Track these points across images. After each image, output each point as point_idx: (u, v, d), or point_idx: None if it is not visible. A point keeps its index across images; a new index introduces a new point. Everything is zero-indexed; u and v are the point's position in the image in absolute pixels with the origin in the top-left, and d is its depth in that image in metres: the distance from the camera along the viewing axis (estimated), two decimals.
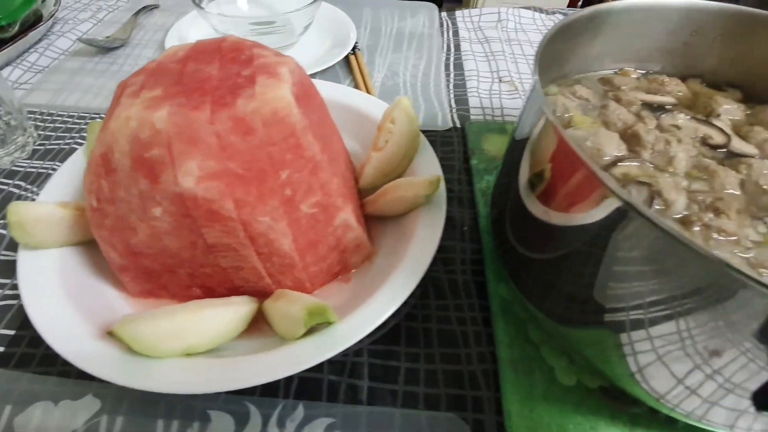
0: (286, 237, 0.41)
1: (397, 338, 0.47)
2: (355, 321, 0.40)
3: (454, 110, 0.79)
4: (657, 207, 0.39)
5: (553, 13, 1.07)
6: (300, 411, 0.42)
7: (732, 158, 0.45)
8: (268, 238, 0.40)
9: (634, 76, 0.56)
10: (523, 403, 0.42)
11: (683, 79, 0.56)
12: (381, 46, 0.93)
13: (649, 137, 0.45)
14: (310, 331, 0.40)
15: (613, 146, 0.44)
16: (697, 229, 0.37)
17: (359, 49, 0.90)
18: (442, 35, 0.98)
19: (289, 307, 0.39)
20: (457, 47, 0.94)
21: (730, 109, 0.50)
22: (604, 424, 0.41)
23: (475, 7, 1.09)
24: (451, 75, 0.87)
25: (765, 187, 0.42)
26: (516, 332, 0.47)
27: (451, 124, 0.76)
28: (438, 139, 0.72)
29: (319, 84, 0.64)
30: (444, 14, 1.05)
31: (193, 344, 0.39)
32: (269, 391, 0.43)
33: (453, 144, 0.71)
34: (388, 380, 0.44)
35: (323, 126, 0.46)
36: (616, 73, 0.56)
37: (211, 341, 0.40)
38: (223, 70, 0.40)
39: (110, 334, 0.38)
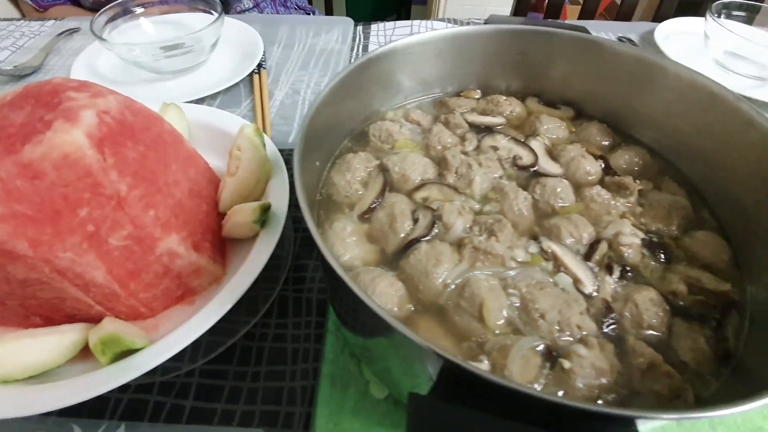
0: (98, 269, 0.44)
1: (230, 358, 0.50)
2: (159, 346, 0.42)
3: None
4: (435, 231, 0.42)
5: (467, 23, 1.09)
6: (122, 431, 0.45)
7: (537, 177, 0.48)
8: (75, 272, 0.42)
9: (476, 96, 0.58)
10: (330, 417, 0.45)
11: (524, 98, 0.58)
12: (289, 64, 0.96)
13: (454, 161, 0.47)
14: (124, 355, 0.43)
15: (418, 171, 0.47)
16: (468, 251, 0.40)
17: (264, 68, 0.93)
18: (352, 50, 1.00)
19: (91, 337, 0.42)
20: None
21: (551, 128, 0.53)
22: None
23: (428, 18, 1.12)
24: None
25: (556, 206, 0.45)
26: (342, 348, 0.49)
27: None
28: None
29: (190, 108, 0.66)
30: (359, 28, 1.08)
31: (8, 373, 0.42)
32: (96, 413, 0.45)
33: None
34: (212, 399, 0.47)
35: (148, 160, 0.49)
36: (460, 95, 0.59)
37: (29, 369, 0.43)
38: (30, 115, 0.43)
39: None
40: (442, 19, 1.09)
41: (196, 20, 0.93)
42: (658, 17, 1.43)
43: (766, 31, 0.97)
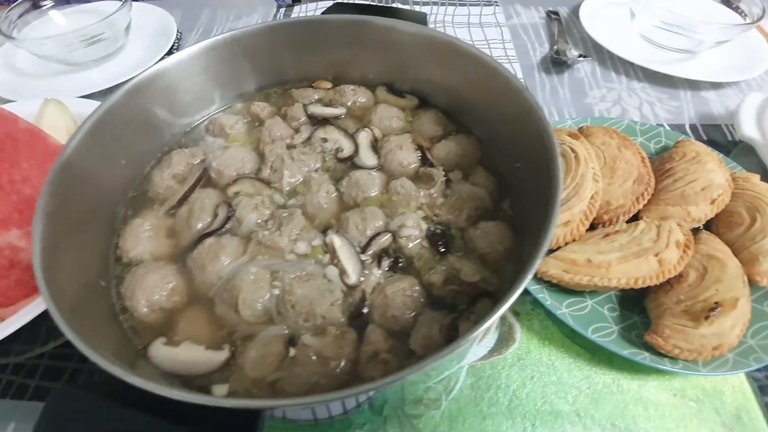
0: None
1: None
2: None
3: None
4: (229, 225, 0.44)
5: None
6: None
7: (354, 169, 0.49)
8: None
9: (327, 87, 0.59)
10: None
11: (375, 87, 0.59)
12: None
13: (270, 155, 0.49)
14: None
15: (234, 166, 0.48)
16: (252, 244, 0.42)
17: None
18: None
19: None
20: None
21: (384, 118, 0.53)
22: None
23: None
24: None
25: (358, 198, 0.46)
26: None
27: None
28: None
29: (76, 103, 0.68)
30: (282, 10, 1.07)
31: None
32: None
33: None
34: (55, 379, 0.51)
35: None
36: (312, 85, 0.59)
37: None
38: None
39: None
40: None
41: (108, 8, 0.94)
42: None
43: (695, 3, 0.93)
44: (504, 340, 0.51)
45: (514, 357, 0.50)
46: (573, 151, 0.57)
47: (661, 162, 0.60)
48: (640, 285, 0.46)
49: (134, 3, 0.93)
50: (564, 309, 0.48)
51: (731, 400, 0.46)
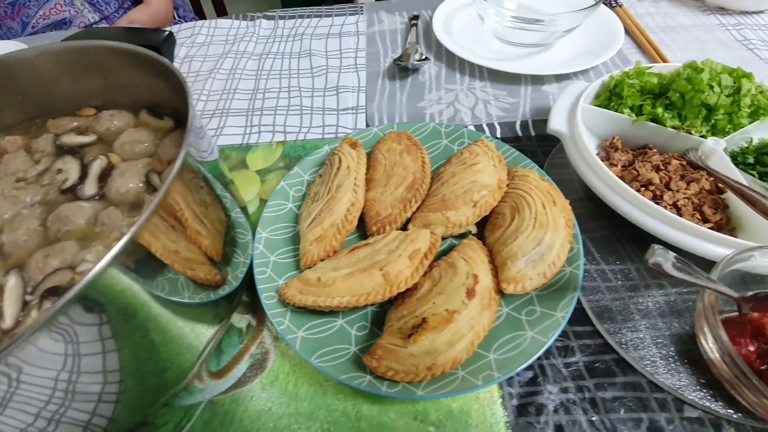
0: None
1: None
2: None
3: None
4: None
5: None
6: None
7: (71, 201, 0.46)
8: None
9: (90, 114, 0.57)
10: None
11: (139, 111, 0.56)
12: None
13: None
14: None
15: None
16: None
17: None
18: None
19: None
20: None
21: (125, 143, 0.51)
22: None
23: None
24: None
25: (61, 231, 0.44)
26: None
27: None
28: None
29: None
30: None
31: None
32: None
33: None
34: None
35: None
36: (76, 113, 0.57)
37: None
38: None
39: None
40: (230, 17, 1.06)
41: None
42: None
43: None
44: (255, 368, 0.48)
45: (259, 387, 0.46)
46: (340, 161, 0.54)
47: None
48: (364, 302, 0.43)
49: None
50: (300, 332, 0.45)
51: (477, 422, 0.42)
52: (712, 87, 0.58)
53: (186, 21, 1.35)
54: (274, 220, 0.55)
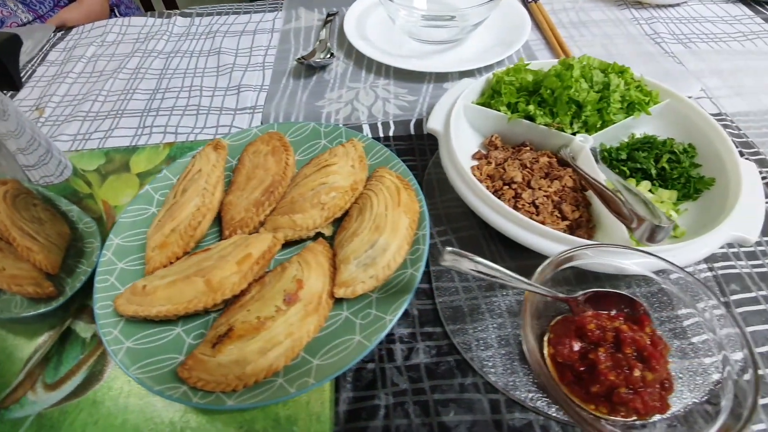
0: None
1: None
2: None
3: None
4: None
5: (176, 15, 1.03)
6: None
7: None
8: None
9: None
10: None
11: None
12: None
13: None
14: None
15: None
16: None
17: None
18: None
19: None
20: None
21: None
22: None
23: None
24: None
25: None
26: None
27: None
28: None
29: None
30: (59, 33, 1.03)
31: None
32: None
33: None
34: None
35: None
36: None
37: None
38: None
39: None
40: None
41: None
42: None
43: None
44: (91, 380, 0.46)
45: (91, 399, 0.45)
46: (193, 165, 0.53)
47: None
48: (184, 311, 0.42)
49: None
50: (128, 343, 0.43)
51: (302, 431, 0.42)
52: (581, 83, 0.57)
53: None
54: (132, 225, 0.53)
